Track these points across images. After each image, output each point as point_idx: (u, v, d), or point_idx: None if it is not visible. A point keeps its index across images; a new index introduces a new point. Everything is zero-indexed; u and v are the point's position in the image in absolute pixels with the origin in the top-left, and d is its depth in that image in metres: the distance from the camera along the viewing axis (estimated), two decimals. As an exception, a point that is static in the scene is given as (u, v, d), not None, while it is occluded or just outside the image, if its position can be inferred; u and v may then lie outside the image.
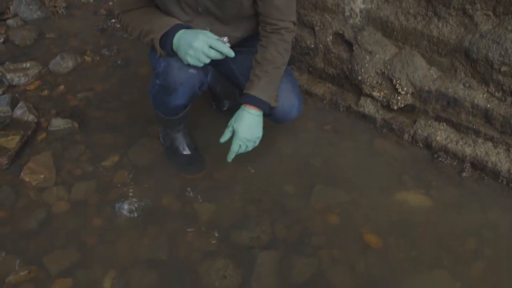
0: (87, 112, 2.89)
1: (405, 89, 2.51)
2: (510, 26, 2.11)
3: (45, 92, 3.07)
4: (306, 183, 2.42)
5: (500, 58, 2.16)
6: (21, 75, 3.14)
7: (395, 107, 2.60)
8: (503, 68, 2.18)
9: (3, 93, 3.03)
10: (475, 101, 2.33)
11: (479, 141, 2.41)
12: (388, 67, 2.52)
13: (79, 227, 2.23)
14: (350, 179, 2.44)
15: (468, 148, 2.42)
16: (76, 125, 2.75)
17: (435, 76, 2.44)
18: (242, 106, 2.13)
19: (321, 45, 2.80)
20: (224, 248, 2.13)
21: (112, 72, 3.27)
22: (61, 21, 3.87)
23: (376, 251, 2.11)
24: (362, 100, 2.73)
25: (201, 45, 1.89)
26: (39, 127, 2.77)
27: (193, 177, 2.46)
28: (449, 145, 2.47)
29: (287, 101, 2.23)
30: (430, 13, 2.33)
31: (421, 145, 2.57)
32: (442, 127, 2.50)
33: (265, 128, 2.22)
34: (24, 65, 3.22)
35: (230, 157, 2.21)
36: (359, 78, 2.65)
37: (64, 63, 3.26)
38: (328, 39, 2.75)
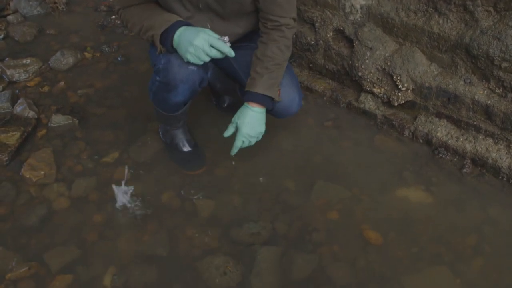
0: (87, 108, 2.89)
1: (405, 85, 2.51)
2: (511, 22, 2.10)
3: (45, 89, 3.07)
4: (306, 180, 2.41)
5: (500, 54, 2.16)
6: (21, 71, 3.14)
7: (396, 104, 2.59)
8: (504, 64, 2.18)
9: (3, 89, 3.03)
10: (476, 97, 2.32)
11: (480, 137, 2.40)
12: (389, 64, 2.52)
13: (80, 223, 2.23)
14: (351, 175, 2.44)
15: (468, 144, 2.42)
16: (76, 122, 2.75)
17: (435, 72, 2.44)
18: (245, 104, 2.14)
19: (321, 41, 2.79)
20: (224, 244, 2.13)
21: (112, 69, 3.27)
22: (61, 18, 3.86)
23: (376, 247, 2.11)
24: (363, 96, 2.73)
25: (202, 44, 1.89)
26: (39, 123, 2.77)
27: (193, 173, 2.46)
28: (449, 142, 2.47)
29: (287, 96, 2.23)
30: (431, 9, 2.33)
31: (421, 141, 2.57)
32: (443, 124, 2.50)
33: (266, 124, 2.22)
34: (24, 61, 3.22)
35: (234, 151, 2.25)
36: (360, 74, 2.65)
37: (64, 60, 3.26)
38: (328, 35, 2.75)
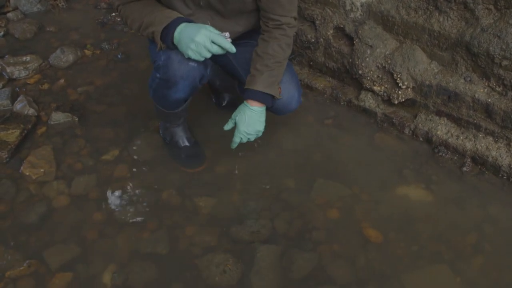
0: (87, 106, 2.89)
1: (405, 83, 2.50)
2: (511, 20, 2.11)
3: (45, 86, 3.07)
4: (306, 178, 2.41)
5: (501, 52, 2.15)
6: (21, 68, 3.14)
7: (396, 102, 2.59)
8: (504, 62, 2.17)
9: (3, 86, 3.03)
10: (476, 95, 2.32)
11: (480, 135, 2.40)
12: (389, 61, 2.52)
13: (79, 221, 2.23)
14: (351, 173, 2.43)
15: (468, 142, 2.42)
16: (76, 119, 2.75)
17: (436, 71, 2.44)
18: (245, 102, 2.14)
19: (321, 39, 2.79)
20: (224, 242, 2.13)
21: (112, 66, 3.26)
22: (61, 15, 3.86)
23: (376, 245, 2.11)
24: (363, 94, 2.73)
25: (203, 40, 1.88)
26: (39, 121, 2.77)
27: (194, 171, 2.46)
28: (449, 140, 2.46)
29: (287, 93, 2.23)
30: (431, 7, 2.32)
31: (421, 139, 2.57)
32: (443, 122, 2.50)
33: (265, 122, 2.22)
34: (24, 58, 3.22)
35: (233, 145, 2.28)
36: (360, 72, 2.64)
37: (64, 57, 3.25)
38: (329, 33, 2.74)
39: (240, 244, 2.12)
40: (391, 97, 2.60)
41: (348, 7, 2.60)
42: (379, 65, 2.56)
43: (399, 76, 2.50)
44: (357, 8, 2.57)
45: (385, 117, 2.66)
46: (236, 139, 2.23)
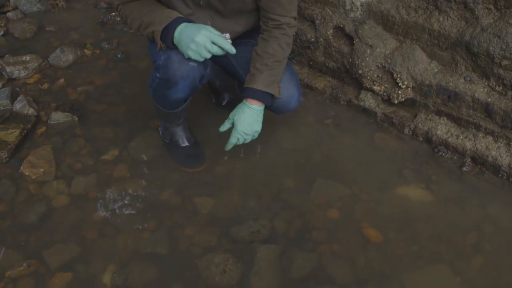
0: (87, 105, 2.89)
1: (405, 83, 2.50)
2: (511, 19, 2.10)
3: (45, 86, 3.07)
4: (306, 177, 2.41)
5: (501, 52, 2.15)
6: (21, 68, 3.14)
7: (396, 101, 2.59)
8: (504, 62, 2.17)
9: (3, 86, 3.03)
10: (476, 95, 2.32)
11: (480, 135, 2.40)
12: (389, 61, 2.52)
13: (79, 221, 2.23)
14: (351, 173, 2.43)
15: (468, 142, 2.42)
16: (76, 119, 2.75)
17: (435, 70, 2.44)
18: (244, 101, 2.14)
19: (321, 39, 2.79)
20: (224, 242, 2.13)
21: (112, 66, 3.26)
22: (61, 14, 3.86)
23: (376, 245, 2.11)
24: (363, 94, 2.73)
25: (204, 40, 1.88)
26: (39, 120, 2.77)
27: (193, 171, 2.46)
28: (449, 140, 2.46)
29: (287, 92, 2.23)
30: (431, 6, 2.32)
31: (421, 139, 2.57)
32: (443, 121, 2.50)
33: (265, 122, 2.22)
34: (24, 58, 3.22)
35: (228, 147, 2.25)
36: (360, 72, 2.64)
37: (64, 57, 3.25)
38: (328, 33, 2.74)
39: (240, 244, 2.12)
40: (391, 97, 2.60)
41: (348, 7, 2.60)
42: (379, 65, 2.56)
43: (399, 75, 2.50)
44: (357, 8, 2.57)
45: (385, 117, 2.66)
46: (233, 140, 2.21)
